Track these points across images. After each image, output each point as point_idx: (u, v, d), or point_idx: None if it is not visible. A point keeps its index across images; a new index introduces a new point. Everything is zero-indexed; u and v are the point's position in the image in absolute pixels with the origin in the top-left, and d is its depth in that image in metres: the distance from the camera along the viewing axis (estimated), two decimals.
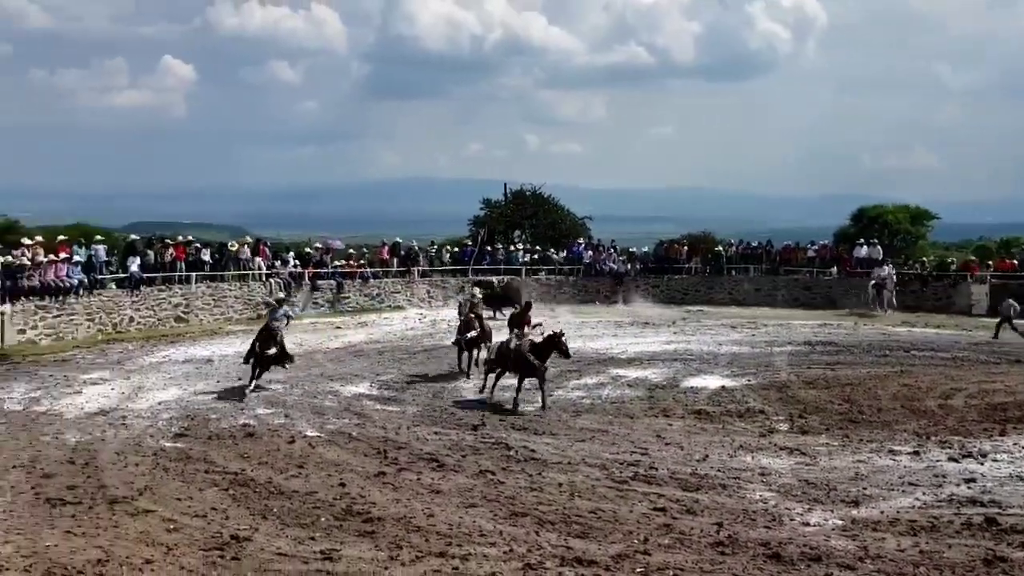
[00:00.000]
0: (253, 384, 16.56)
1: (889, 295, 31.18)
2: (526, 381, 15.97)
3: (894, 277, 31.70)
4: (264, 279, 28.82)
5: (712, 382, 18.36)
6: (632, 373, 19.26)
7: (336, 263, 31.80)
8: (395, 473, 11.68)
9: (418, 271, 33.06)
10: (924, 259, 34.49)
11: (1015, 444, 13.38)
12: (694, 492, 11.01)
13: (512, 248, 35.84)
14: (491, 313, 26.07)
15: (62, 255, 23.61)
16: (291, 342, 22.19)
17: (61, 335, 22.80)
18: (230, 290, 28.04)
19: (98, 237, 27.61)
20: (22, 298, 22.01)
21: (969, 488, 11.26)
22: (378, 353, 21.67)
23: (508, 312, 21.59)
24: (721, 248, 37.00)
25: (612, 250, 36.63)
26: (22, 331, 21.88)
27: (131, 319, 25.19)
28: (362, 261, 32.40)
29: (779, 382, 18.49)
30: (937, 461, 12.53)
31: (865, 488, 11.22)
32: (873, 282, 31.47)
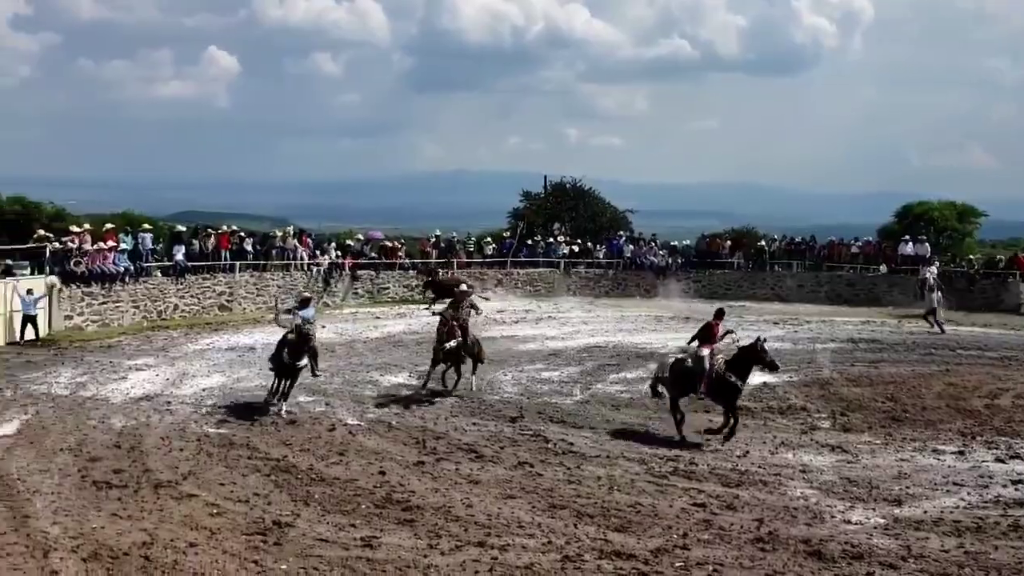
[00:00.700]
0: (277, 399, 14.37)
1: (938, 295, 30.54)
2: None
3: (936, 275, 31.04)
4: (306, 268, 29.08)
5: (753, 378, 18.11)
6: None
7: (373, 254, 31.98)
8: (434, 463, 11.75)
9: (455, 263, 33.14)
10: (971, 256, 33.82)
11: None
12: (734, 488, 10.95)
13: (551, 241, 35.77)
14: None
15: (109, 243, 23.99)
16: (332, 332, 22.48)
17: (107, 321, 23.18)
18: (272, 279, 28.34)
19: (145, 225, 28.01)
20: (70, 284, 22.40)
21: (1016, 490, 11.08)
22: (416, 343, 21.77)
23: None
24: (764, 243, 36.62)
25: (653, 244, 36.41)
26: (69, 317, 22.28)
27: (175, 307, 25.55)
28: (400, 253, 32.48)
29: (821, 379, 18.30)
30: (983, 461, 12.34)
31: (908, 487, 11.09)
32: (921, 279, 30.89)
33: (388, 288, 31.42)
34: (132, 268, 24.29)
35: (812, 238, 36.67)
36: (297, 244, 29.66)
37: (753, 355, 13.02)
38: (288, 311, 15.69)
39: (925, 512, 10.17)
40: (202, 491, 10.36)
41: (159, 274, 25.56)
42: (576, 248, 35.59)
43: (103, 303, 23.30)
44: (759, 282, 34.93)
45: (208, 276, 26.79)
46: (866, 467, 11.95)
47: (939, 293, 28.61)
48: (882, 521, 9.88)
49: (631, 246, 35.82)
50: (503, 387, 16.91)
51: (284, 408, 14.20)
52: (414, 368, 18.48)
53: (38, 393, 15.18)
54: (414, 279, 31.70)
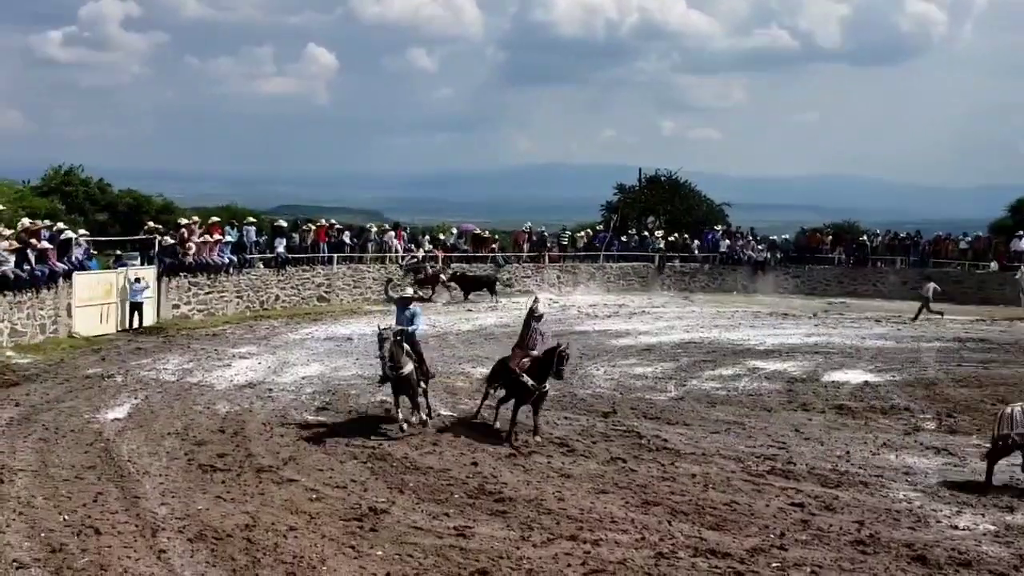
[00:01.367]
0: (402, 415, 12.62)
1: None
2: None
3: None
4: (400, 261, 29.51)
5: (855, 377, 17.70)
6: (770, 365, 18.77)
7: (466, 247, 32.23)
8: (526, 455, 11.77)
9: (547, 256, 33.13)
10: None
11: None
12: (834, 488, 10.67)
13: (646, 234, 35.40)
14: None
15: (215, 235, 24.83)
16: (425, 324, 22.64)
17: (212, 311, 24.01)
18: (368, 271, 28.90)
19: (250, 219, 28.96)
20: (178, 275, 23.27)
21: None
22: (508, 337, 21.82)
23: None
24: (866, 238, 35.54)
25: (751, 238, 35.72)
26: (176, 306, 23.18)
27: (277, 297, 26.29)
28: (493, 245, 32.62)
29: (926, 379, 17.68)
30: None
31: (1021, 494, 10.59)
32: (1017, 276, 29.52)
33: None
34: (236, 260, 25.09)
35: (917, 233, 35.43)
36: (393, 237, 30.19)
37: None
38: (396, 300, 14.71)
39: None
40: (302, 476, 10.61)
41: (261, 265, 26.33)
42: (672, 241, 35.14)
43: (208, 293, 24.14)
44: (860, 278, 34.01)
45: (308, 268, 27.50)
46: (974, 471, 11.46)
47: None
48: (992, 528, 9.47)
49: (727, 240, 35.22)
50: (595, 382, 16.83)
51: (420, 417, 12.75)
52: None
53: (147, 379, 15.80)
54: (506, 272, 31.65)
